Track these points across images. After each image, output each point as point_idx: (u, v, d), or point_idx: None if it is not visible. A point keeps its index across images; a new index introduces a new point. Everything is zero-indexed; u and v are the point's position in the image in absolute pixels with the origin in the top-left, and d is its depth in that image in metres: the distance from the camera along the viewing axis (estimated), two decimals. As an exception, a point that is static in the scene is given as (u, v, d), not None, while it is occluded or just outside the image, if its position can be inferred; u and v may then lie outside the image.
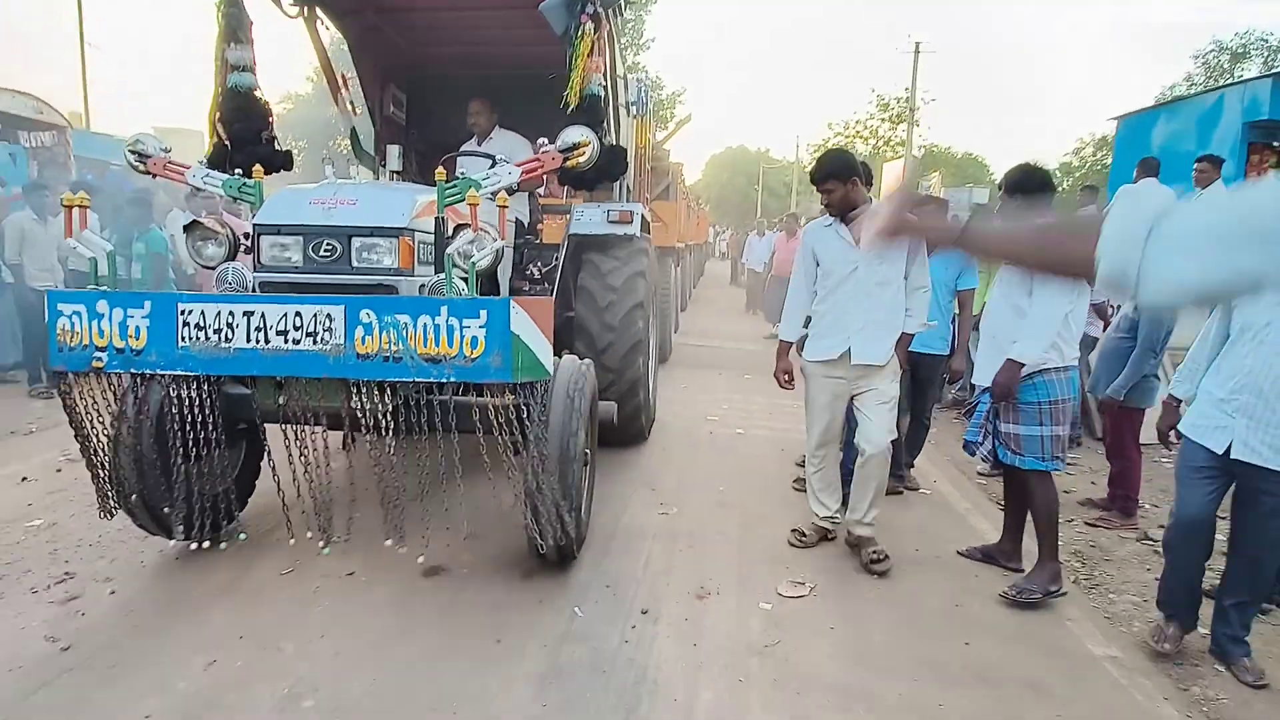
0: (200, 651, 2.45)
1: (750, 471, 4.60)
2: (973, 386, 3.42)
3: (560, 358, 2.96)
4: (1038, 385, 2.94)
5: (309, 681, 2.31)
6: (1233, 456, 2.47)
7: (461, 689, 2.30)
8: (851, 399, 3.29)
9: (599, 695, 2.30)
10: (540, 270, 4.49)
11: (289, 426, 2.67)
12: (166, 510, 2.87)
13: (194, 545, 2.89)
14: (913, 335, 3.29)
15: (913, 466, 4.43)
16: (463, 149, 4.43)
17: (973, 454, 3.33)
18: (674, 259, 9.02)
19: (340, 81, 4.62)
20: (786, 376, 3.45)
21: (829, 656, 2.56)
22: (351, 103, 4.76)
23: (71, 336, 2.52)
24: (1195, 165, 5.69)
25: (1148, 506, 4.21)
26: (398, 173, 3.53)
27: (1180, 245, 0.89)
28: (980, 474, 4.67)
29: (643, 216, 4.67)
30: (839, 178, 3.14)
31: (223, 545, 2.97)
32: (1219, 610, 2.65)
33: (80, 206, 2.63)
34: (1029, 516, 3.16)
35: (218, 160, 3.43)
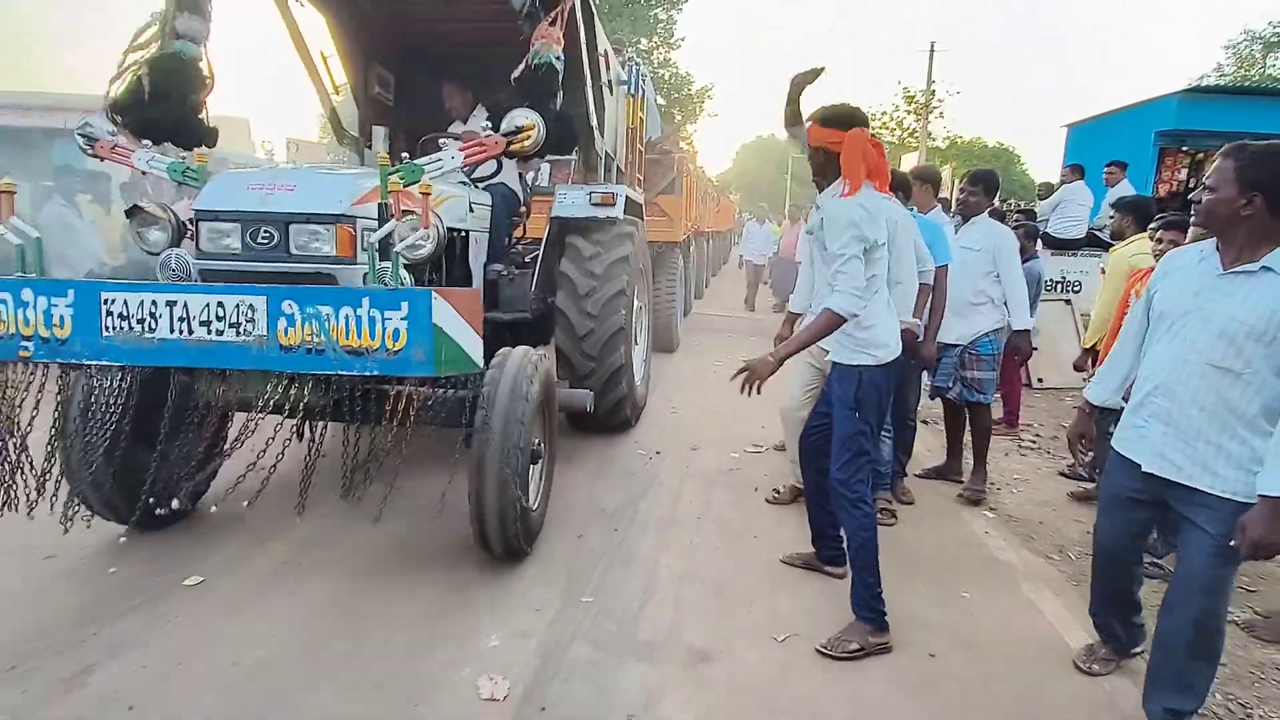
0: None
1: (739, 394, 6.20)
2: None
3: (513, 349, 2.93)
4: (993, 341, 3.80)
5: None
6: (1144, 470, 2.06)
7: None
8: None
9: (627, 483, 4.01)
10: (524, 255, 4.50)
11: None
12: (120, 494, 2.83)
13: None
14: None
15: (904, 475, 4.05)
16: (447, 131, 4.39)
17: (942, 396, 4.04)
18: (681, 250, 8.42)
19: (321, 60, 4.33)
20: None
21: (765, 475, 4.21)
22: (333, 82, 4.49)
23: None
24: (1105, 169, 7.11)
25: (1035, 426, 5.71)
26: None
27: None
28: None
29: (628, 198, 4.57)
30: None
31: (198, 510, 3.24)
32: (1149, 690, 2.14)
33: (5, 193, 2.53)
34: (967, 439, 4.03)
35: (127, 109, 3.13)
